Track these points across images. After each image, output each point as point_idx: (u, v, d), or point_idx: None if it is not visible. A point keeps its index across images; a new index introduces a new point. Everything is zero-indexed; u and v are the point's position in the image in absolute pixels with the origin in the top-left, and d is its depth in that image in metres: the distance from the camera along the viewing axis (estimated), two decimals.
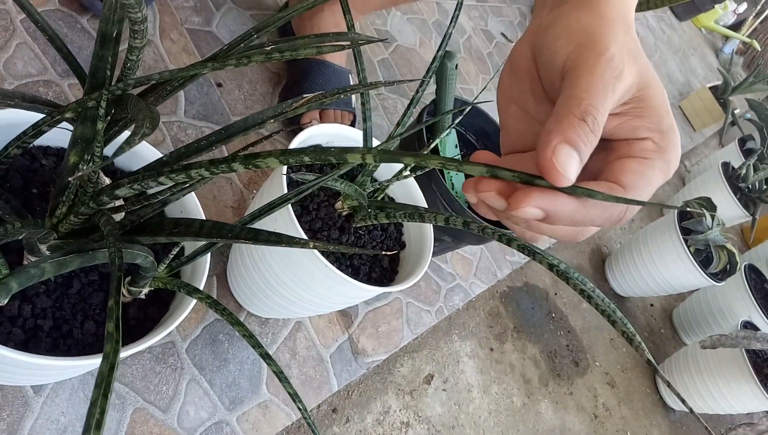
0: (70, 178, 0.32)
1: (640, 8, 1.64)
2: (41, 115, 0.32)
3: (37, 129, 0.32)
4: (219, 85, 0.85)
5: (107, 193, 0.30)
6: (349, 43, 0.36)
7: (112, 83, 0.33)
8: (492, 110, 1.34)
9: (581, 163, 0.28)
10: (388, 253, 0.35)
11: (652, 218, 1.67)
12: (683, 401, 0.35)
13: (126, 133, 0.46)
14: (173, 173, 0.26)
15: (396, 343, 0.85)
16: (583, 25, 0.31)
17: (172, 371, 0.63)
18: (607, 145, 0.32)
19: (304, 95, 0.39)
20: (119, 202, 0.42)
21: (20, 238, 0.30)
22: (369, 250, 0.32)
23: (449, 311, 0.96)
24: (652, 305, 1.45)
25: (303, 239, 0.29)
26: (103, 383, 0.21)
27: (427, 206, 0.68)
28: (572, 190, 0.28)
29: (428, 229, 0.65)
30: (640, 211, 1.68)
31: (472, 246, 1.05)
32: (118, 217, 0.35)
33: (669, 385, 0.36)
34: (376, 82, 0.41)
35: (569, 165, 0.27)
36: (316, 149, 0.24)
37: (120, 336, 0.22)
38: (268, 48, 0.37)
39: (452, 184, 0.89)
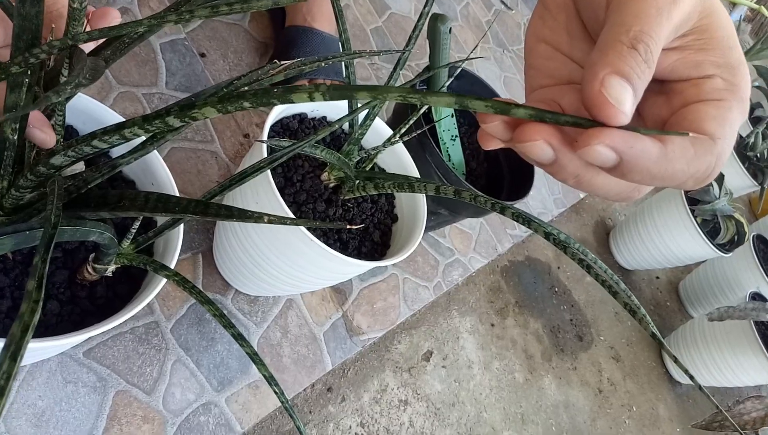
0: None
1: None
2: None
3: None
4: (202, 55, 0.82)
5: (44, 163, 0.27)
6: None
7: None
8: (488, 78, 1.29)
9: (635, 99, 0.24)
10: (353, 226, 0.32)
11: (658, 189, 1.63)
12: (691, 377, 0.32)
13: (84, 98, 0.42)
14: (106, 135, 0.22)
15: (392, 319, 0.83)
16: None
17: (156, 352, 0.60)
18: (667, 89, 0.28)
19: (283, 62, 0.35)
20: (78, 169, 0.39)
21: None
22: (338, 223, 0.29)
23: (448, 287, 0.94)
24: (657, 278, 1.42)
25: (258, 213, 0.26)
26: (12, 346, 0.18)
27: (419, 176, 0.64)
28: (648, 133, 0.23)
29: (421, 201, 0.62)
30: None
31: (470, 219, 1.02)
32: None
33: (676, 360, 0.33)
34: (360, 51, 0.38)
35: (623, 97, 0.23)
36: (256, 92, 0.21)
37: (41, 296, 0.20)
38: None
39: (449, 155, 0.86)
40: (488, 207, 0.43)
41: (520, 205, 1.14)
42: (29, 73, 0.25)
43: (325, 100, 0.22)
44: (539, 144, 0.23)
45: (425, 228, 0.89)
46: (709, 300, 1.36)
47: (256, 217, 0.26)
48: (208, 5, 0.29)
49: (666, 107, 0.27)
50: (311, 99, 0.21)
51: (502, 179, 0.90)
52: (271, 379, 0.33)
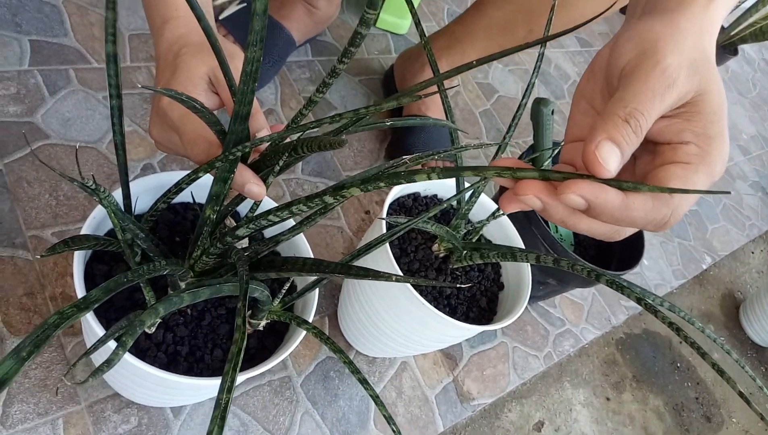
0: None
1: (763, 37, 1.53)
2: (182, 175, 0.40)
3: (178, 187, 0.39)
4: None
5: (230, 234, 0.36)
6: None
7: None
8: None
9: (622, 158, 0.30)
10: (462, 286, 0.38)
11: None
12: None
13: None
14: (279, 211, 0.31)
15: (502, 387, 0.85)
16: (652, 34, 0.33)
17: (288, 404, 0.69)
18: (654, 149, 0.33)
19: (404, 157, 0.44)
20: (244, 244, 0.49)
21: (165, 273, 0.38)
22: (449, 283, 0.35)
23: (559, 357, 0.94)
24: None
25: (387, 274, 0.33)
26: (233, 360, 0.26)
27: (523, 247, 0.69)
28: (618, 184, 0.29)
29: (526, 270, 0.67)
30: None
31: (581, 290, 1.03)
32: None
33: (762, 417, 0.35)
34: (466, 145, 0.45)
35: (610, 158, 0.29)
36: (389, 175, 0.28)
37: (245, 328, 0.28)
38: (388, 123, 0.42)
39: (556, 226, 0.89)
40: (584, 275, 0.47)
41: (632, 276, 1.13)
42: (230, 170, 0.36)
43: (439, 179, 0.30)
44: (530, 197, 0.30)
45: (534, 297, 0.92)
46: None
47: (386, 277, 0.33)
48: (353, 110, 0.39)
49: (650, 165, 0.32)
50: (429, 178, 0.28)
51: (612, 250, 0.92)
52: (390, 419, 0.39)
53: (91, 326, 0.42)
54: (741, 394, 0.33)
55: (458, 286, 0.35)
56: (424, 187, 0.70)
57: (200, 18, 0.35)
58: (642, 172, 0.33)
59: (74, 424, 0.58)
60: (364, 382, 0.41)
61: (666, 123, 0.32)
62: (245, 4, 0.94)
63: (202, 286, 0.35)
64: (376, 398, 0.41)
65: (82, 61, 0.79)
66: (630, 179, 0.33)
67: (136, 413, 0.61)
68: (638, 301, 0.43)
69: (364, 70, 1.09)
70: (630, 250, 0.87)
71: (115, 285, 0.32)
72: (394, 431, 0.40)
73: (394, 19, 1.18)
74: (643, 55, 0.32)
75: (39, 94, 0.74)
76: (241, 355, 0.26)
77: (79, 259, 0.44)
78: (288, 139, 0.39)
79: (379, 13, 1.28)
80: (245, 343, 0.50)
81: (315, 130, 0.37)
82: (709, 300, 1.27)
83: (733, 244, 1.40)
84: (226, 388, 0.25)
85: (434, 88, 0.93)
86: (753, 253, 1.46)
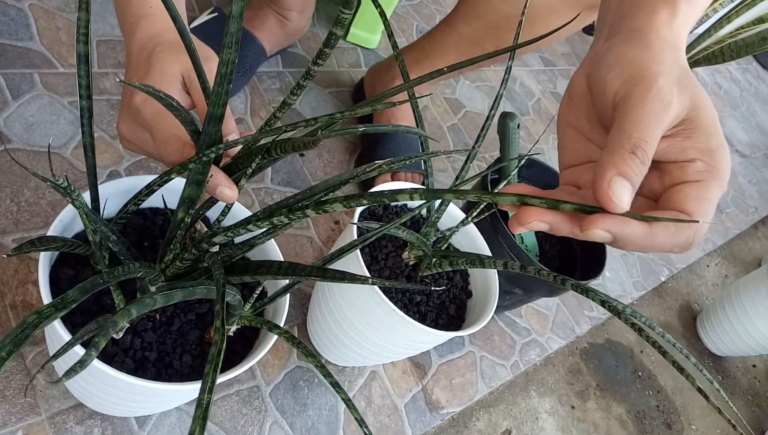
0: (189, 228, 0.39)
1: (715, 60, 1.60)
2: (153, 177, 0.40)
3: (150, 188, 0.39)
4: (301, 154, 0.95)
5: (206, 241, 0.36)
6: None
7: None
8: (556, 165, 1.36)
9: (634, 191, 0.30)
10: (437, 288, 0.39)
11: (748, 270, 1.57)
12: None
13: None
14: (259, 221, 0.31)
15: (470, 395, 0.86)
16: (633, 58, 0.34)
17: (257, 413, 0.68)
18: (659, 166, 0.34)
19: (377, 161, 0.45)
20: (215, 249, 0.49)
21: (138, 276, 0.37)
22: (420, 285, 0.36)
23: (525, 366, 0.96)
24: (754, 366, 1.35)
25: (364, 276, 0.34)
26: (213, 362, 0.26)
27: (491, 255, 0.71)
28: (642, 217, 0.30)
29: (493, 278, 0.68)
30: (734, 266, 1.59)
31: (546, 299, 1.05)
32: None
33: (719, 410, 0.36)
34: (437, 151, 0.46)
35: (623, 195, 0.30)
36: (372, 193, 0.29)
37: (225, 330, 0.28)
38: (361, 129, 0.43)
39: (521, 237, 0.91)
40: (551, 279, 0.49)
41: (594, 286, 1.16)
42: (203, 172, 0.36)
43: (422, 200, 0.30)
44: (534, 224, 0.31)
45: (501, 307, 0.93)
46: None
47: (362, 280, 0.33)
48: (328, 114, 0.39)
49: (658, 182, 0.34)
50: (412, 199, 0.29)
51: (575, 261, 0.94)
52: (362, 422, 0.40)
53: (57, 331, 0.41)
54: (700, 390, 0.34)
55: (433, 288, 0.36)
56: None
57: (175, 18, 0.36)
58: (649, 190, 0.34)
59: None
60: (336, 385, 0.41)
61: (668, 143, 0.33)
62: (216, 14, 0.95)
63: (175, 289, 0.34)
64: (348, 401, 0.41)
65: (47, 65, 0.78)
66: (638, 200, 0.34)
67: (99, 424, 0.59)
68: (602, 303, 0.44)
69: (334, 82, 1.10)
70: (592, 261, 0.90)
71: (92, 286, 0.31)
72: (366, 434, 0.40)
73: (365, 33, 1.20)
74: (632, 81, 0.32)
75: (1, 98, 0.72)
76: (221, 356, 0.26)
77: (44, 261, 0.43)
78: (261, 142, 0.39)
79: (350, 26, 1.29)
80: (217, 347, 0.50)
81: (290, 133, 0.37)
82: (668, 311, 1.31)
83: (689, 257, 1.45)
84: (207, 389, 0.25)
85: (406, 96, 0.94)
86: (708, 266, 1.51)
